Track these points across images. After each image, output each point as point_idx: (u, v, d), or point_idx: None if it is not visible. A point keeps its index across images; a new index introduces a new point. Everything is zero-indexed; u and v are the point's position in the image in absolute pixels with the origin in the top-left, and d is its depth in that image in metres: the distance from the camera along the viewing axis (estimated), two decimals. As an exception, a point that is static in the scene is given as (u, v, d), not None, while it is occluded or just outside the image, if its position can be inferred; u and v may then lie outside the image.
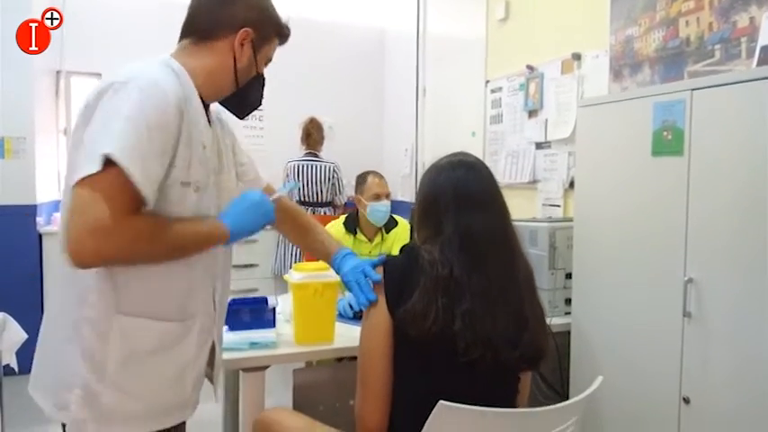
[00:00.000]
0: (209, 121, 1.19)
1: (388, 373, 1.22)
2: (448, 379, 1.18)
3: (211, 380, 1.32)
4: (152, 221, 1.03)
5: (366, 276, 1.32)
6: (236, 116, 1.29)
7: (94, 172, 0.94)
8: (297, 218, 1.54)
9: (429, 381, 1.18)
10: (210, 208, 1.17)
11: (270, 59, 1.27)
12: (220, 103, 1.25)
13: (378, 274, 1.30)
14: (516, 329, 1.19)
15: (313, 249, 1.55)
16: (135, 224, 0.99)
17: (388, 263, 1.31)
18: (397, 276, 1.25)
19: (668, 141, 1.59)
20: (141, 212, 1.01)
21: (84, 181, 0.95)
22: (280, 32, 1.25)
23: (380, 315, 1.23)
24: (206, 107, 1.18)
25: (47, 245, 3.56)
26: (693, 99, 1.52)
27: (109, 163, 0.95)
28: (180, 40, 1.19)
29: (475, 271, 1.20)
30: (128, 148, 0.96)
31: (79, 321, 1.05)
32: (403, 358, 1.22)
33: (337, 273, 1.47)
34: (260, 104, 1.29)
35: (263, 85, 1.28)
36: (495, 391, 1.21)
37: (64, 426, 1.10)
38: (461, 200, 1.26)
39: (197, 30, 1.17)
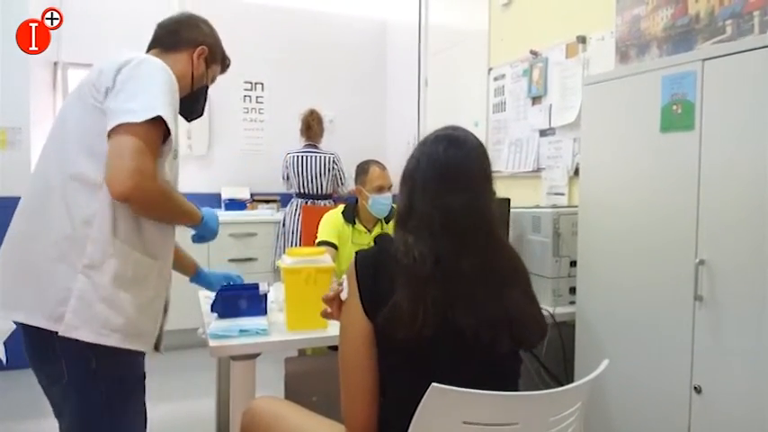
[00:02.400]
0: None
1: (372, 374, 1.13)
2: (446, 372, 1.08)
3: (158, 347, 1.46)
4: (166, 183, 1.31)
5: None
6: (185, 119, 1.56)
7: (139, 121, 1.17)
8: None
9: (423, 375, 1.08)
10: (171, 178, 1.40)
11: (214, 80, 1.61)
12: None
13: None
14: (504, 318, 1.10)
15: (178, 260, 1.63)
16: (162, 179, 1.26)
17: (358, 257, 1.18)
18: (371, 273, 1.14)
19: (678, 116, 1.51)
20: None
21: (130, 128, 1.16)
22: (224, 60, 1.62)
23: (357, 319, 1.13)
24: None
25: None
26: (705, 70, 1.44)
27: (151, 120, 1.18)
28: (148, 51, 1.48)
29: (461, 254, 1.11)
30: (170, 112, 1.23)
31: (83, 240, 1.23)
32: (390, 360, 1.13)
33: (207, 284, 1.86)
34: (203, 114, 1.63)
35: (206, 99, 1.61)
36: (496, 380, 1.13)
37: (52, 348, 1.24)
38: (439, 177, 1.15)
39: (164, 43, 1.49)
